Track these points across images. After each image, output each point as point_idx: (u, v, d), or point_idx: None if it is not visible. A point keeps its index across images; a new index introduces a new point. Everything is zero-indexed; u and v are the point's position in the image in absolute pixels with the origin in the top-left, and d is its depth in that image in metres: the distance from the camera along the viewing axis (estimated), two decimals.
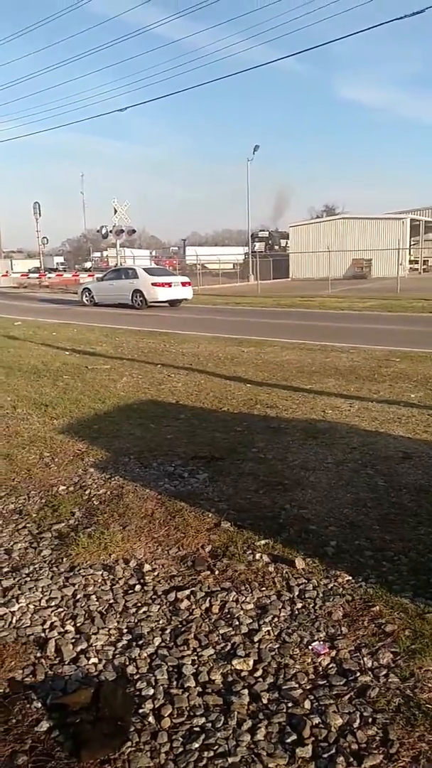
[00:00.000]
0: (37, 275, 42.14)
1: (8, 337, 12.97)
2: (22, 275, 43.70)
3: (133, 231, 32.92)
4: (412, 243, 45.93)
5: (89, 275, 38.59)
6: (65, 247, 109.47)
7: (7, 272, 43.72)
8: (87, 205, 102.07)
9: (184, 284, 22.53)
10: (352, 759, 1.96)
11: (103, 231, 31.54)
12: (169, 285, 21.87)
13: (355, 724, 2.09)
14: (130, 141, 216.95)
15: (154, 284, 21.38)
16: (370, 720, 2.11)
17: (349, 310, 19.75)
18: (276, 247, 56.94)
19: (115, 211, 29.66)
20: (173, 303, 22.44)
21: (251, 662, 2.43)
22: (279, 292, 29.51)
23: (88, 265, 65.51)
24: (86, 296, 23.98)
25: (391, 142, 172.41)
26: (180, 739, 2.05)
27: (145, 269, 23.14)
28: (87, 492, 4.09)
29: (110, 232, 30.53)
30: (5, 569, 3.15)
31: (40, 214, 41.22)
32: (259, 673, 2.38)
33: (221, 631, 2.63)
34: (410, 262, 43.80)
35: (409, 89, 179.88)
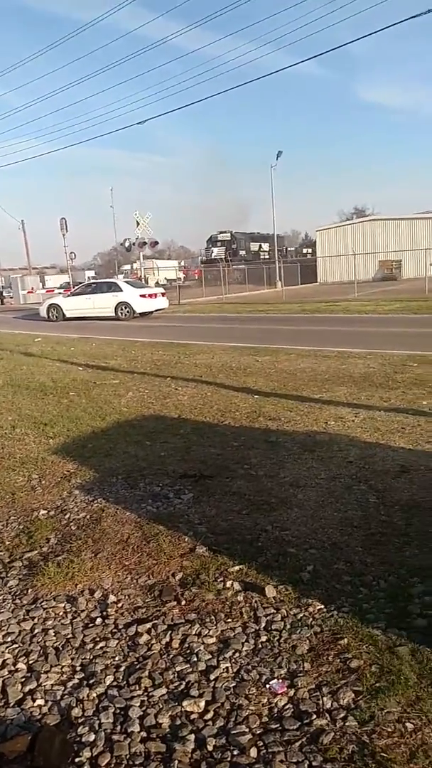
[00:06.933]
0: (62, 291, 42.30)
1: (26, 354, 13.06)
2: (47, 291, 43.24)
3: (156, 243, 33.08)
4: None
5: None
6: (97, 261, 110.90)
7: (32, 289, 44.09)
8: (117, 218, 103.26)
9: (163, 295, 24.75)
10: None
11: (126, 244, 31.81)
12: (155, 296, 23.95)
13: None
14: (158, 153, 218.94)
15: (142, 296, 23.28)
16: None
17: (374, 314, 19.39)
18: (242, 252, 48.86)
19: (138, 224, 29.88)
20: (152, 312, 24.17)
21: (203, 703, 2.29)
22: (304, 298, 29.21)
23: (119, 278, 66.04)
24: (53, 312, 24.51)
25: (417, 141, 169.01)
26: None
27: (127, 282, 24.95)
28: (67, 516, 4.00)
29: (133, 244, 30.75)
30: None
31: (66, 229, 41.66)
32: (209, 715, 2.23)
33: (177, 669, 2.49)
34: None
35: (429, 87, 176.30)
